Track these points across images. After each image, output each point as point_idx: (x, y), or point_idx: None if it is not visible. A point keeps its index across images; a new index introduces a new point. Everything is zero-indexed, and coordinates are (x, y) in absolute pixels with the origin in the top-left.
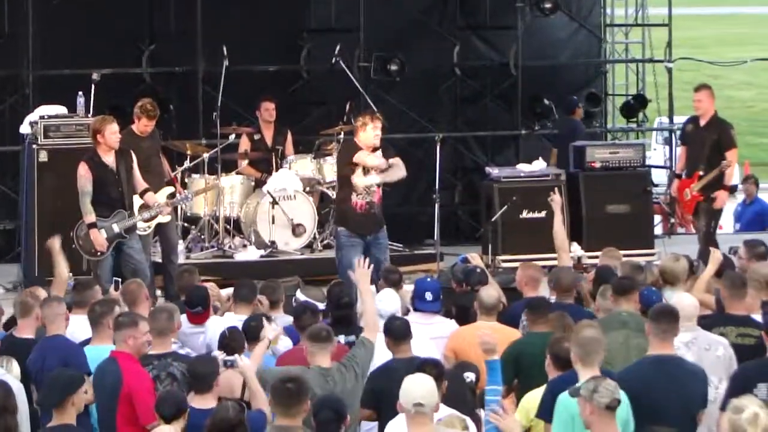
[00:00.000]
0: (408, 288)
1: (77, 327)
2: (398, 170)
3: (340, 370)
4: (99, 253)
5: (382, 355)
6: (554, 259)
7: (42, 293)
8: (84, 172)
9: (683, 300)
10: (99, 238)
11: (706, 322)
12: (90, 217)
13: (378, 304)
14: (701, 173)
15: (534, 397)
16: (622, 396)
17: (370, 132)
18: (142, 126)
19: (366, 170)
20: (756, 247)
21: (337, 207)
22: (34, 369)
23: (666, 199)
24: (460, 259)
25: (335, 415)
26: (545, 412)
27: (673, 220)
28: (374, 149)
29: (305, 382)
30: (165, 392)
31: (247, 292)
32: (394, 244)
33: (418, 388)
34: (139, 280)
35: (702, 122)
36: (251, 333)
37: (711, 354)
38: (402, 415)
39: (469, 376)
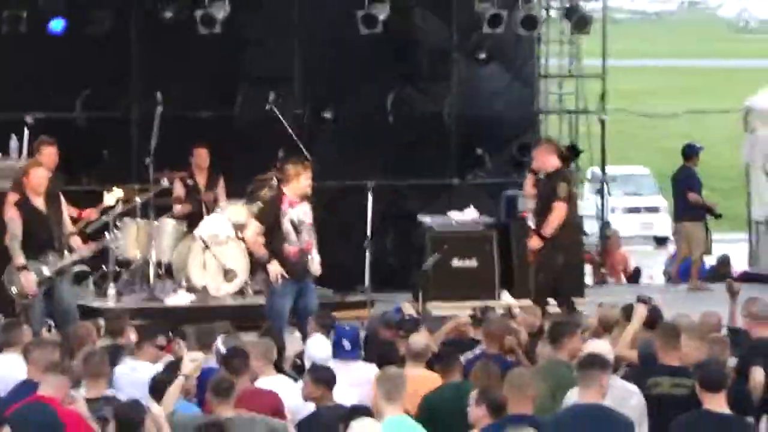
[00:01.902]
0: None
1: (6, 366)
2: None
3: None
4: (29, 296)
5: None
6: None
7: None
8: (13, 215)
9: (600, 348)
10: (29, 280)
11: (640, 371)
12: (19, 259)
13: (308, 349)
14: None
15: None
16: None
17: (303, 181)
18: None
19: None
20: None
21: (270, 252)
22: None
23: (597, 249)
24: (394, 309)
25: None
26: None
27: (603, 270)
28: (305, 197)
29: (227, 428)
30: None
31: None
32: (325, 289)
33: None
34: (89, 324)
35: (542, 176)
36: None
37: (626, 403)
38: None
39: None
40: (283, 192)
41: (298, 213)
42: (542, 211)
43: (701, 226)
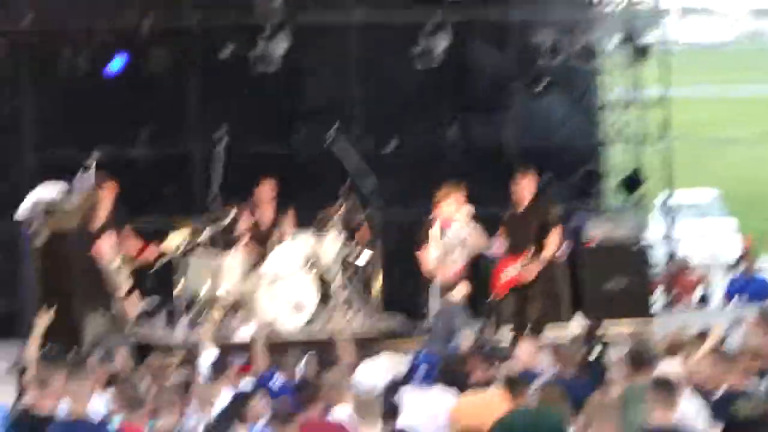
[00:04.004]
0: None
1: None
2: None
3: None
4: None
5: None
6: None
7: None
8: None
9: (671, 368)
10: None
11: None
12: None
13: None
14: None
15: None
16: None
17: (450, 204)
18: None
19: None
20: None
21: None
22: None
23: (666, 274)
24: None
25: None
26: None
27: (672, 295)
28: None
29: None
30: None
31: None
32: (396, 316)
33: None
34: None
35: (520, 209)
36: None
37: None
38: None
39: None
40: (436, 215)
41: (454, 231)
42: (524, 242)
43: None
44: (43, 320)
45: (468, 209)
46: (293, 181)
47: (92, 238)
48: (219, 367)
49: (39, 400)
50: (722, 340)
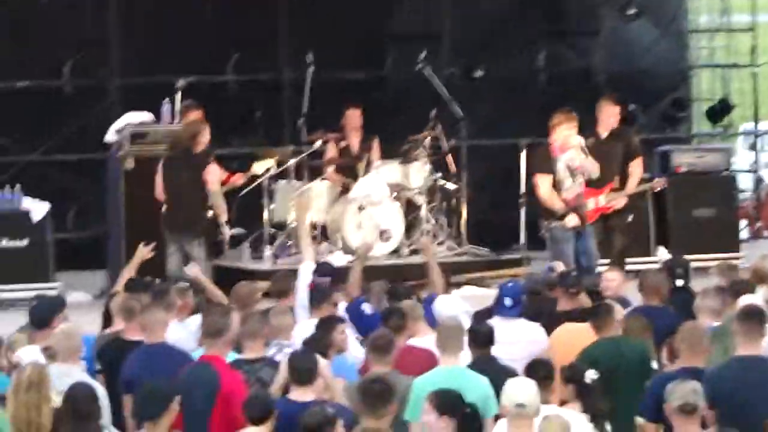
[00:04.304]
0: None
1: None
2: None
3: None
4: None
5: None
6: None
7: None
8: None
9: (753, 301)
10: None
11: None
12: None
13: (436, 307)
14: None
15: None
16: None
17: (563, 131)
18: None
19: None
20: None
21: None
22: (133, 377)
23: (752, 204)
24: (547, 268)
25: None
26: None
27: (759, 224)
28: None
29: (392, 383)
30: (253, 394)
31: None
32: (481, 248)
33: (520, 390)
34: (251, 284)
35: (603, 134)
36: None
37: None
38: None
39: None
40: (551, 141)
41: (568, 158)
42: (609, 170)
43: None
44: (140, 252)
45: (580, 139)
46: (381, 108)
47: (199, 163)
48: (320, 295)
49: (125, 329)
50: None
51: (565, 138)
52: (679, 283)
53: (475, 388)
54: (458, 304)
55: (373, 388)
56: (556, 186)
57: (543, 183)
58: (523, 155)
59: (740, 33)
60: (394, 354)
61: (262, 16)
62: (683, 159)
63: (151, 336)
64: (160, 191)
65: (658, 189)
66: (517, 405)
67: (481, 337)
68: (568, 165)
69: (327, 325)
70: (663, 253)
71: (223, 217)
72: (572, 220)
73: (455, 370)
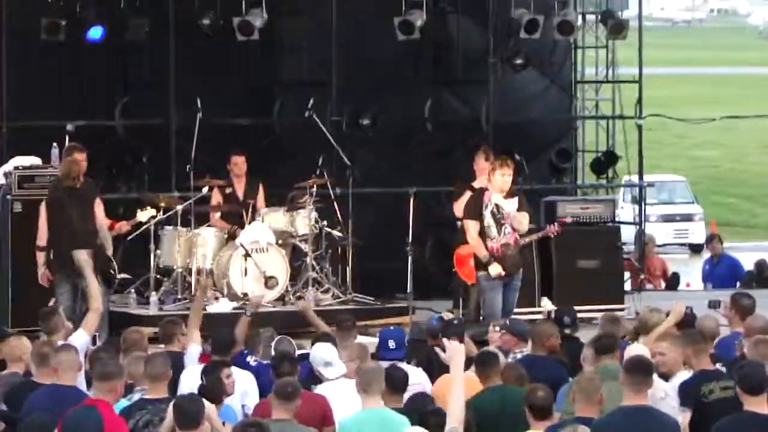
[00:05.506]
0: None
1: None
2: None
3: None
4: None
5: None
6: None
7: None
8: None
9: (640, 351)
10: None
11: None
12: None
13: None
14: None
15: None
16: None
17: (497, 176)
18: None
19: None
20: (743, 299)
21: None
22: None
23: (635, 255)
24: (435, 318)
25: None
26: None
27: (642, 276)
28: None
29: (265, 427)
30: None
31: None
32: (366, 297)
33: None
34: (140, 329)
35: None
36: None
37: (665, 402)
38: None
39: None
40: (486, 187)
41: (495, 206)
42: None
43: None
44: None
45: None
46: (268, 155)
47: (86, 197)
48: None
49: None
50: (691, 322)
51: (500, 184)
52: (567, 332)
53: (397, 426)
54: (332, 351)
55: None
56: (483, 233)
57: (471, 228)
58: (411, 203)
59: (626, 85)
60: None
61: (151, 61)
62: (568, 209)
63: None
64: (42, 234)
65: (553, 235)
66: None
67: (398, 382)
68: (494, 213)
69: (214, 369)
70: (547, 304)
71: (110, 251)
72: (495, 269)
73: (379, 412)
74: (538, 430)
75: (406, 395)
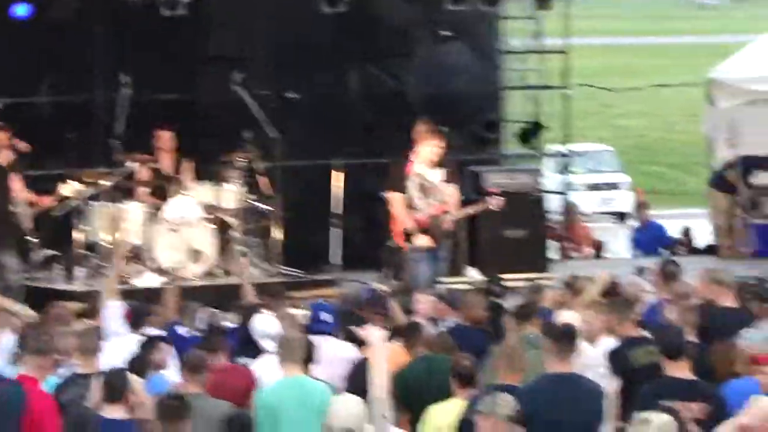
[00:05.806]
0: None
1: None
2: None
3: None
4: None
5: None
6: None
7: None
8: None
9: (569, 318)
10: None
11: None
12: None
13: (257, 326)
14: None
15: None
16: None
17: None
18: None
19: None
20: (668, 266)
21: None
22: None
23: (561, 224)
24: (366, 288)
25: None
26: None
27: (567, 245)
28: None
29: (188, 400)
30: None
31: None
32: (294, 270)
33: (346, 411)
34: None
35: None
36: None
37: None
38: None
39: None
40: (410, 158)
41: (422, 177)
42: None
43: None
44: None
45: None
46: (194, 129)
47: (3, 174)
48: (136, 321)
49: None
50: (616, 289)
51: (428, 155)
52: (495, 301)
53: (320, 393)
54: (275, 323)
55: (169, 404)
56: (409, 205)
57: (395, 201)
58: (336, 175)
59: (552, 55)
60: (208, 374)
61: (77, 37)
62: (494, 180)
63: None
64: None
65: (497, 208)
66: (346, 429)
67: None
68: (421, 184)
69: (148, 344)
70: (473, 274)
71: (27, 225)
72: (421, 240)
73: (299, 379)
74: (462, 398)
75: (342, 370)
